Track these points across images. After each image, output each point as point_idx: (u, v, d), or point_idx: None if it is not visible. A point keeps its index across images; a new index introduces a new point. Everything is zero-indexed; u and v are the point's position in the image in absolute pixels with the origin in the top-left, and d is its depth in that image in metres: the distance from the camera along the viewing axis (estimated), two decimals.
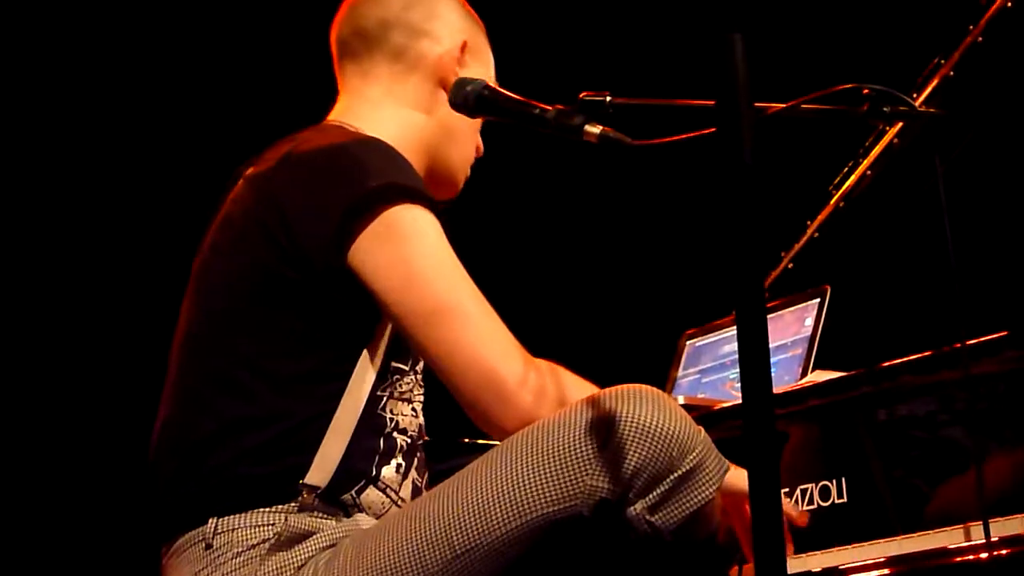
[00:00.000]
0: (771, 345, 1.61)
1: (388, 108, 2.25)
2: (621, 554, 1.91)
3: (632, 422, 1.88)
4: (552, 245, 4.76)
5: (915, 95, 3.03)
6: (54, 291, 4.25)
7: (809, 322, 3.03)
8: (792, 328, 3.06)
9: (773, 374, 1.78)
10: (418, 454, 2.15)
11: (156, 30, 4.29)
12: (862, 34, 4.30)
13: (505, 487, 1.91)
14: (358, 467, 2.04)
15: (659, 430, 1.88)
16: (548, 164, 4.34)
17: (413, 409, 2.14)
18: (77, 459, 4.20)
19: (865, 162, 3.21)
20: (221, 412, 2.03)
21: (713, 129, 1.79)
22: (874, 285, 3.36)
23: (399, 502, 2.08)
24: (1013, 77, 3.07)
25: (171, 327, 2.18)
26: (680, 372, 3.33)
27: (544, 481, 1.89)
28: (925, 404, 2.33)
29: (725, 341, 3.24)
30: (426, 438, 2.21)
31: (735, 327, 1.57)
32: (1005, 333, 2.25)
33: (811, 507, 2.42)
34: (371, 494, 2.05)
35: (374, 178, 2.02)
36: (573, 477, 1.89)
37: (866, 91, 1.95)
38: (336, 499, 2.02)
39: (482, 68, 2.32)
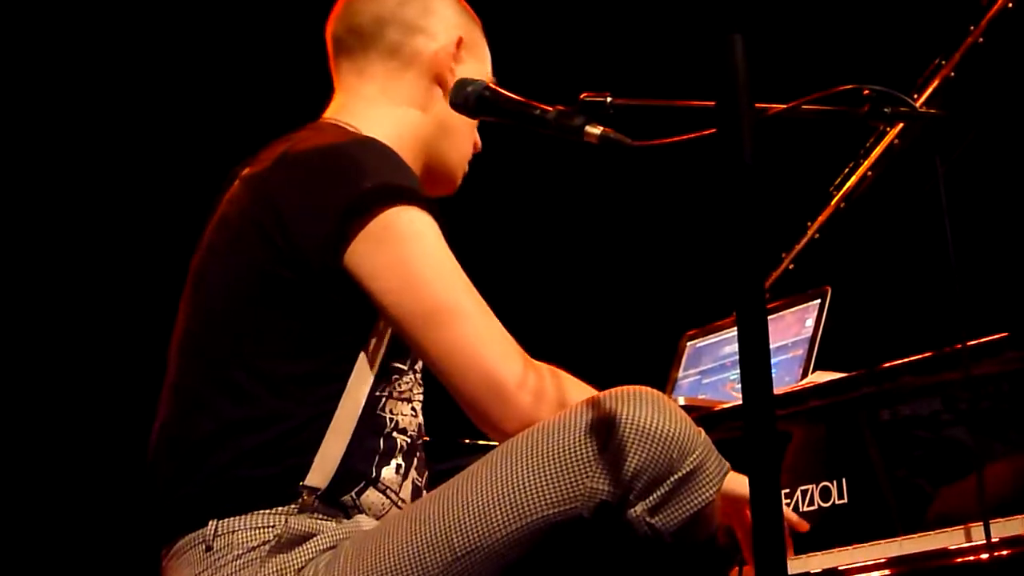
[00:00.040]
0: (772, 346, 1.61)
1: (384, 105, 2.24)
2: (621, 556, 1.90)
3: (632, 424, 1.88)
4: (552, 246, 4.76)
5: (916, 96, 3.03)
6: (53, 291, 4.24)
7: (810, 323, 3.03)
8: (793, 329, 3.06)
9: (774, 375, 1.78)
10: (418, 454, 2.15)
11: (152, 29, 4.29)
12: (863, 35, 4.30)
13: (505, 489, 1.90)
14: (358, 468, 2.04)
15: (659, 432, 1.88)
16: (548, 165, 4.34)
17: (413, 409, 2.14)
18: (77, 460, 4.20)
19: (866, 163, 3.21)
20: (220, 413, 2.03)
21: (713, 130, 1.79)
22: (875, 286, 3.35)
23: (399, 503, 2.08)
24: (1014, 78, 3.07)
25: (170, 327, 2.18)
26: (680, 373, 3.33)
27: (544, 483, 1.89)
28: (926, 405, 2.33)
29: (725, 342, 3.24)
30: (426, 438, 2.21)
31: (735, 328, 1.57)
32: (1005, 334, 2.25)
33: (812, 508, 2.42)
34: (371, 495, 2.05)
35: (370, 179, 2.02)
36: (573, 479, 1.88)
37: (867, 92, 1.95)
38: (336, 500, 2.02)
39: (478, 64, 2.31)
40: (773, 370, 2.09)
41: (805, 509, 2.42)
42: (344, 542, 1.99)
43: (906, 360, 2.37)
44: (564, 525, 1.88)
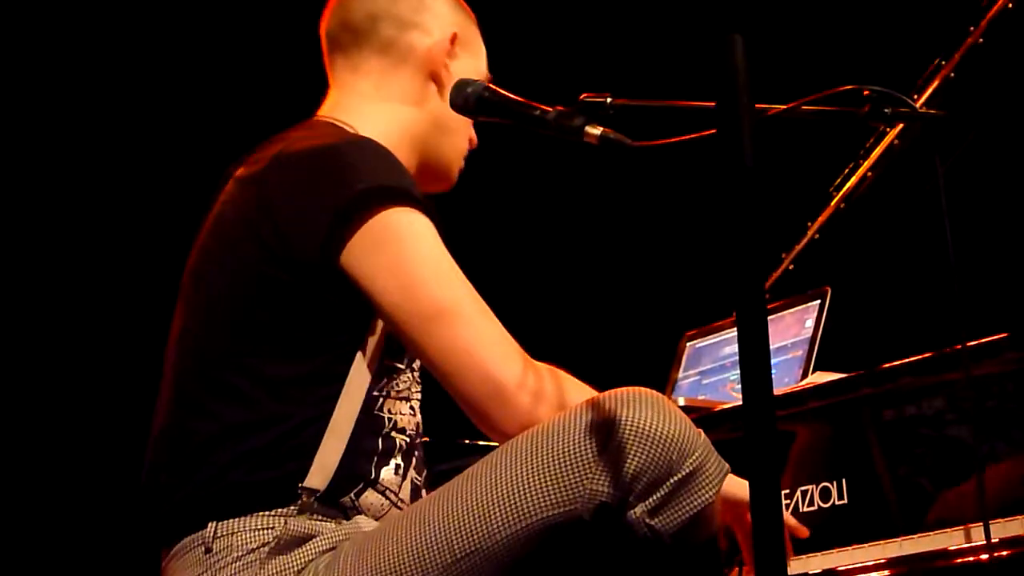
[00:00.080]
0: (771, 347, 1.61)
1: (378, 102, 2.24)
2: (621, 557, 1.90)
3: (632, 425, 1.88)
4: (552, 247, 4.76)
5: (916, 96, 3.03)
6: (51, 291, 4.24)
7: (809, 323, 3.03)
8: (792, 329, 3.06)
9: (773, 376, 1.78)
10: (416, 452, 2.14)
11: (148, 28, 4.29)
12: (863, 35, 4.30)
13: (505, 491, 1.90)
14: (357, 469, 2.03)
15: (659, 433, 1.87)
16: (548, 166, 4.34)
17: (411, 408, 2.14)
18: (76, 462, 4.20)
19: (866, 163, 3.21)
20: (219, 416, 2.02)
21: (713, 130, 1.78)
22: (874, 286, 3.35)
23: (399, 503, 2.08)
24: (1014, 78, 3.07)
25: (167, 327, 2.17)
26: (680, 374, 3.33)
27: (544, 485, 1.89)
28: (925, 406, 2.33)
29: (725, 343, 3.24)
30: (426, 439, 2.21)
31: (735, 329, 1.57)
32: (1005, 335, 2.25)
33: (811, 508, 2.42)
34: (370, 496, 2.05)
35: (366, 179, 2.01)
36: (573, 481, 1.88)
37: (867, 92, 1.94)
38: (335, 502, 2.02)
39: (473, 60, 2.30)
40: (773, 371, 2.09)
41: (805, 510, 2.42)
42: (344, 543, 1.99)
43: (906, 361, 2.37)
44: (564, 527, 1.88)
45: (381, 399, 2.08)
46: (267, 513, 1.98)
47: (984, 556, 2.18)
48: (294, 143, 2.10)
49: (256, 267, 2.03)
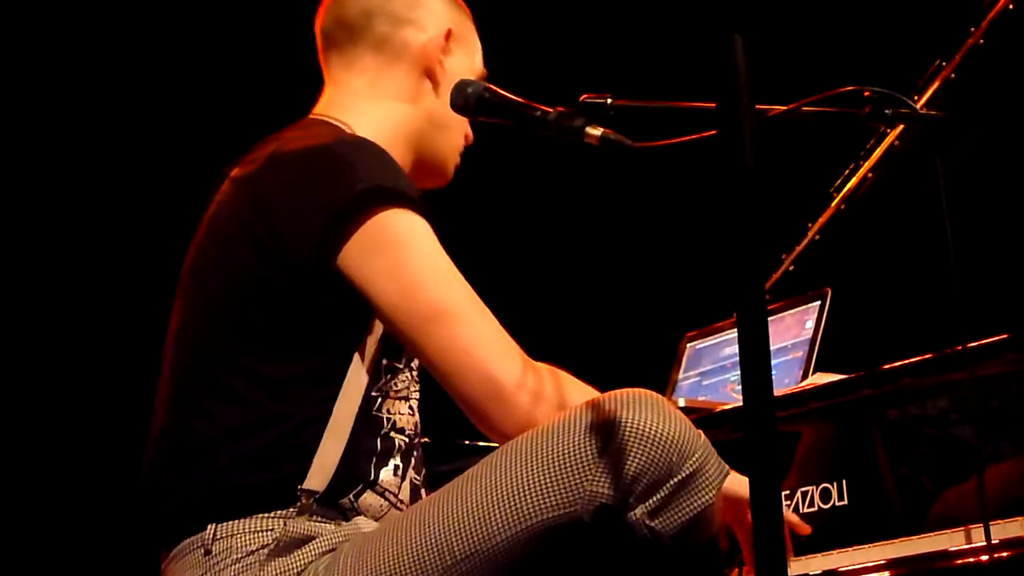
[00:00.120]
0: (772, 347, 1.61)
1: (373, 99, 2.23)
2: (621, 559, 1.90)
3: (632, 427, 1.87)
4: (553, 247, 4.76)
5: (916, 97, 3.03)
6: (50, 291, 4.24)
7: (810, 324, 3.03)
8: (793, 330, 3.06)
9: (774, 376, 1.78)
10: (415, 452, 2.14)
11: (146, 28, 4.28)
12: (863, 36, 4.30)
13: (505, 493, 1.90)
14: (356, 471, 2.03)
15: (659, 435, 1.87)
16: (549, 167, 4.34)
17: (410, 407, 2.14)
18: (76, 463, 4.20)
19: (866, 164, 3.21)
20: (215, 417, 2.02)
21: (714, 131, 1.78)
22: (875, 287, 3.35)
23: (398, 504, 2.08)
24: (1014, 79, 3.07)
25: (165, 327, 2.17)
26: (681, 374, 3.33)
27: (544, 487, 1.88)
28: (926, 406, 2.33)
29: (726, 343, 3.24)
30: (425, 439, 2.21)
31: (736, 329, 1.57)
32: (1005, 335, 2.25)
33: (812, 509, 2.41)
34: (369, 497, 2.05)
35: (362, 180, 2.01)
36: (573, 483, 1.88)
37: (867, 93, 1.95)
38: (334, 503, 2.01)
39: (468, 56, 2.30)
40: (773, 372, 2.09)
41: (805, 510, 2.42)
42: (344, 544, 1.99)
43: (906, 362, 2.37)
44: (564, 528, 1.88)
45: (380, 399, 2.08)
46: (266, 515, 1.98)
47: (984, 557, 2.18)
48: (289, 143, 2.10)
49: (251, 267, 2.02)
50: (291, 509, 1.99)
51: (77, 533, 4.17)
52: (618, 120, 1.89)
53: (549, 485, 1.88)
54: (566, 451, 1.89)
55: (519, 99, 1.98)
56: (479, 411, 1.99)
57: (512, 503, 1.89)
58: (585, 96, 1.90)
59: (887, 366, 2.39)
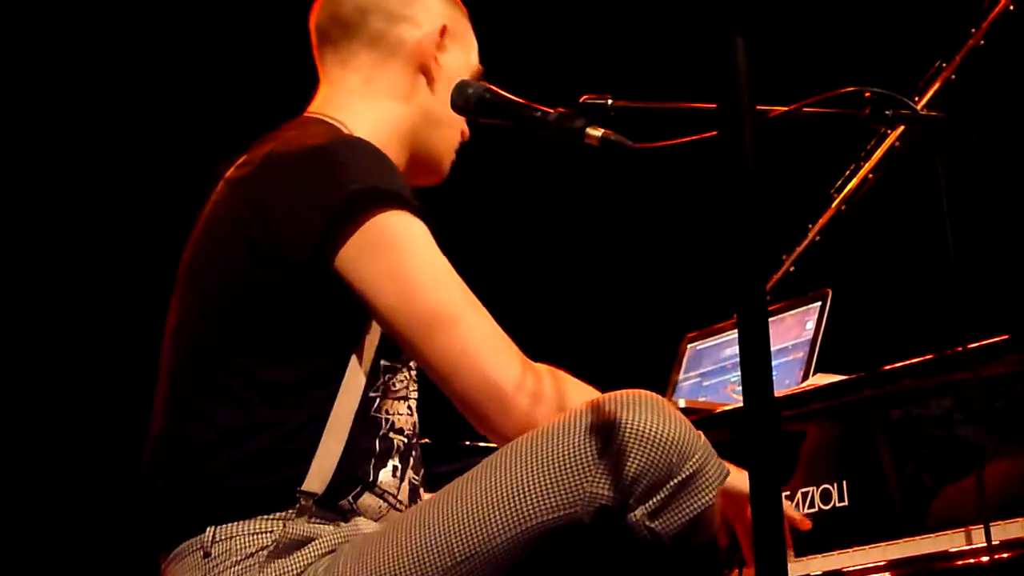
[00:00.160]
0: (772, 348, 1.61)
1: (368, 97, 2.23)
2: (621, 560, 1.90)
3: (632, 428, 1.87)
4: (553, 248, 4.76)
5: (917, 98, 3.03)
6: (50, 292, 4.24)
7: (810, 325, 3.03)
8: (793, 331, 3.06)
9: (774, 377, 1.78)
10: (414, 452, 2.14)
11: (143, 27, 4.28)
12: (864, 37, 4.30)
13: (506, 494, 1.90)
14: (355, 472, 2.03)
15: (659, 436, 1.87)
16: (549, 167, 4.34)
17: (409, 407, 2.13)
18: (75, 464, 4.20)
19: (867, 165, 3.21)
20: (213, 420, 2.01)
21: (714, 132, 1.78)
22: (875, 288, 3.35)
23: (397, 505, 2.07)
24: (1014, 80, 3.07)
25: (163, 328, 2.17)
26: (681, 375, 3.33)
27: (545, 488, 1.88)
28: (926, 407, 2.33)
29: (726, 344, 3.24)
30: (425, 440, 2.21)
31: (736, 330, 1.56)
32: (1006, 336, 2.25)
33: (812, 510, 2.41)
34: (367, 499, 2.04)
35: (358, 181, 2.00)
36: (574, 484, 1.88)
37: (868, 94, 1.95)
38: (333, 505, 2.01)
39: (464, 53, 2.29)
40: (774, 372, 2.09)
41: (805, 511, 2.42)
42: (343, 546, 1.98)
43: (907, 363, 2.37)
44: (564, 530, 1.88)
45: (378, 399, 2.08)
46: (266, 517, 1.98)
47: (984, 558, 2.18)
48: (286, 142, 2.09)
49: (247, 267, 2.02)
50: (290, 511, 1.98)
51: (77, 533, 4.17)
52: (619, 121, 1.89)
53: (549, 486, 1.88)
54: (566, 452, 1.89)
55: (519, 100, 1.98)
56: (479, 413, 1.99)
57: (512, 504, 1.89)
58: (585, 97, 1.91)
59: (887, 367, 2.39)
